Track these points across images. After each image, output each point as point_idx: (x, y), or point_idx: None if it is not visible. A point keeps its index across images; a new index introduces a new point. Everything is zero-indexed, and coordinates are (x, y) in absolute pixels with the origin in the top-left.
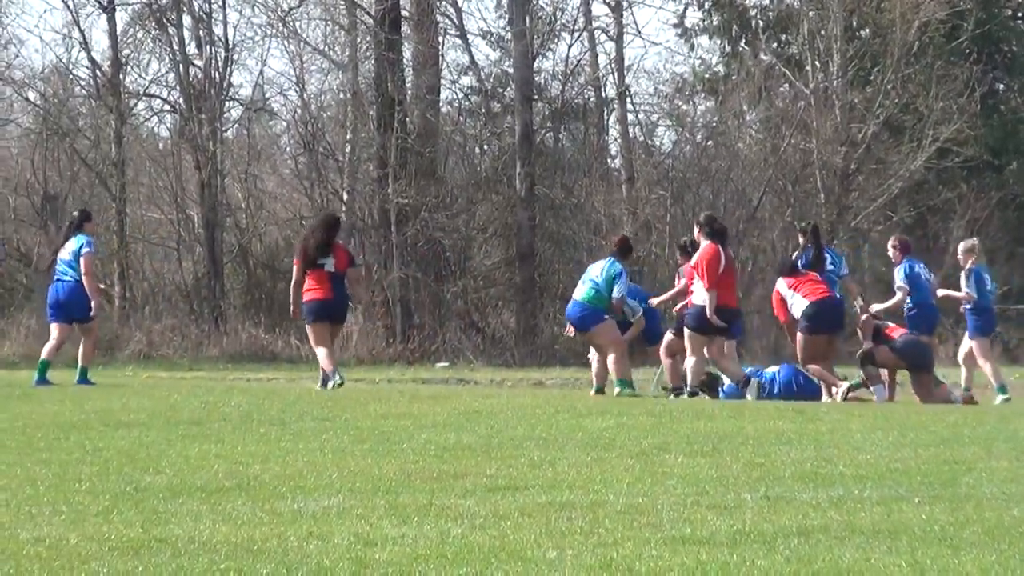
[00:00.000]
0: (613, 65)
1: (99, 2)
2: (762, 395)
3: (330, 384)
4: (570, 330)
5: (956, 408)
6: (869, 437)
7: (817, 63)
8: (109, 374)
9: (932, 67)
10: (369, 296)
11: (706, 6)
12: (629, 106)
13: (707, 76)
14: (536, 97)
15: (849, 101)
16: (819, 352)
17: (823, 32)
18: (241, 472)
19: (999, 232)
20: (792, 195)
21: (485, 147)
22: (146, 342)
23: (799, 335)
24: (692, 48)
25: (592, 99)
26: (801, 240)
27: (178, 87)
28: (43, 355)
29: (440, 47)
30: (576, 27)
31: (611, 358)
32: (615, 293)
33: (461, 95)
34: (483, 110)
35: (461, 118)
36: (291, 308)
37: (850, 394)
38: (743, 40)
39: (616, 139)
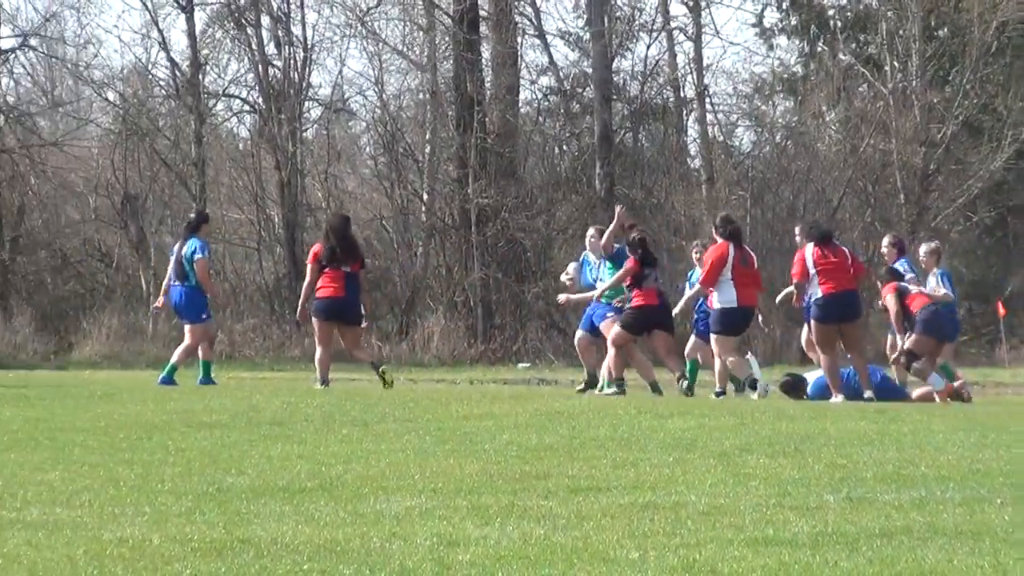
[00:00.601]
0: (692, 65)
1: (178, 2)
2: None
3: (313, 383)
4: None
5: None
6: (951, 438)
7: (896, 63)
8: (193, 373)
9: (1011, 67)
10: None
11: (784, 6)
12: (708, 106)
13: (786, 76)
14: (615, 97)
15: (928, 101)
16: (832, 339)
17: (901, 32)
18: (324, 473)
19: None
20: (872, 195)
21: (564, 147)
22: (228, 342)
23: (813, 322)
24: (771, 48)
25: (671, 99)
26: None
27: (257, 87)
28: (201, 356)
29: (519, 47)
30: (654, 27)
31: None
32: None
33: (540, 95)
34: (562, 110)
35: (540, 118)
36: (298, 309)
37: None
38: (821, 40)
39: (695, 139)
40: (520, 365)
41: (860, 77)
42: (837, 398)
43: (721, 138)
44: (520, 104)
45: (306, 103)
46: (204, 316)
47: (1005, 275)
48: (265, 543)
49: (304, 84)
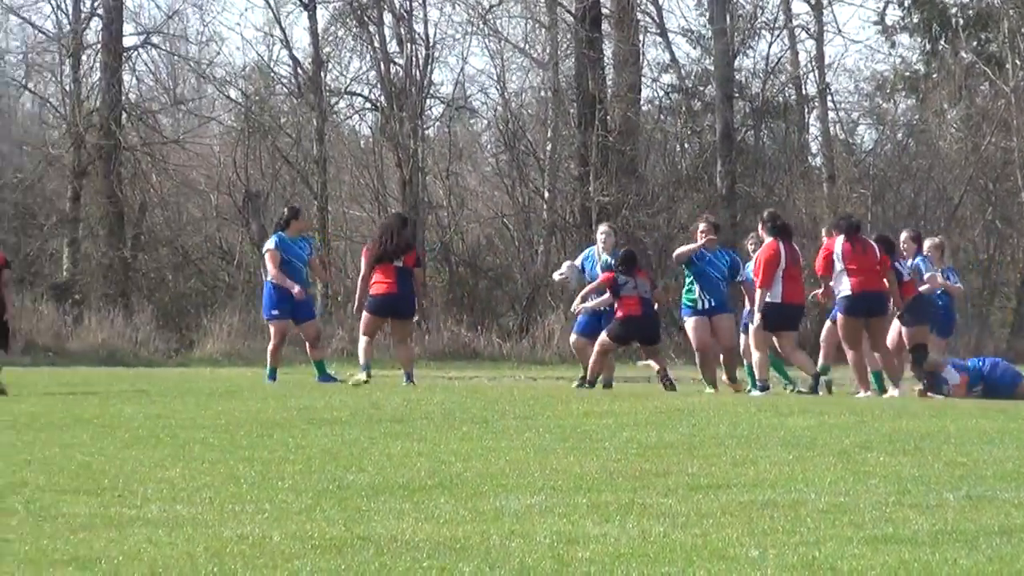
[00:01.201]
0: (814, 63)
1: (300, 0)
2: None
3: (359, 375)
4: None
5: None
6: None
7: (1018, 61)
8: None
9: None
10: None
11: (906, 4)
12: (830, 104)
13: (907, 74)
14: (737, 95)
15: None
16: (858, 334)
17: (1023, 30)
18: (443, 470)
19: None
20: (993, 193)
21: (686, 145)
22: (348, 339)
23: (839, 316)
24: (892, 46)
25: (793, 97)
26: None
27: (379, 85)
28: (311, 358)
29: (640, 45)
30: (776, 25)
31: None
32: None
33: (662, 93)
34: (683, 108)
35: (662, 116)
36: (355, 304)
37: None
38: (943, 38)
39: (817, 137)
40: (639, 363)
41: (981, 75)
42: (864, 393)
43: (842, 136)
44: (641, 102)
45: (428, 101)
46: (275, 312)
47: None
48: (385, 540)
49: (426, 82)
